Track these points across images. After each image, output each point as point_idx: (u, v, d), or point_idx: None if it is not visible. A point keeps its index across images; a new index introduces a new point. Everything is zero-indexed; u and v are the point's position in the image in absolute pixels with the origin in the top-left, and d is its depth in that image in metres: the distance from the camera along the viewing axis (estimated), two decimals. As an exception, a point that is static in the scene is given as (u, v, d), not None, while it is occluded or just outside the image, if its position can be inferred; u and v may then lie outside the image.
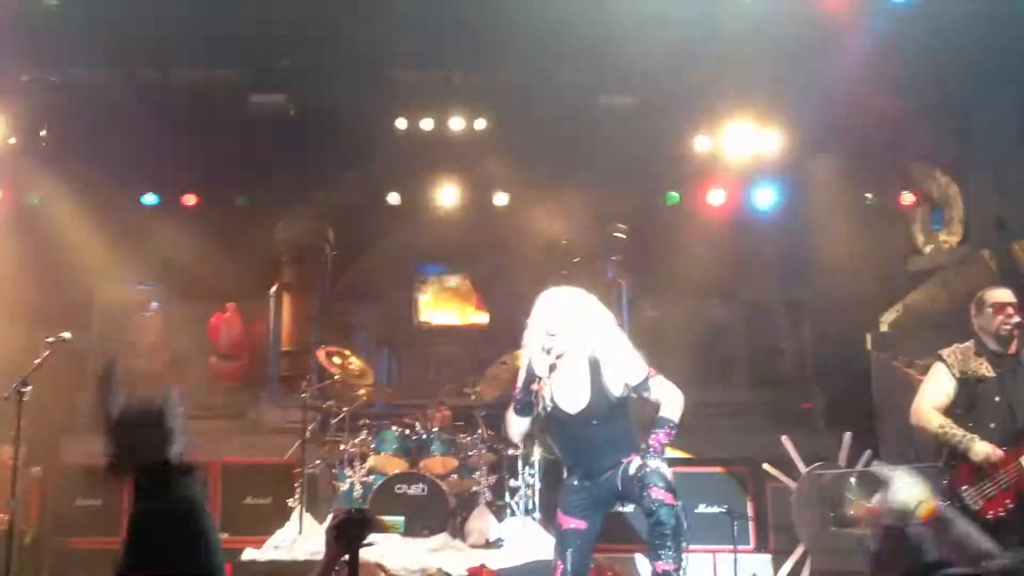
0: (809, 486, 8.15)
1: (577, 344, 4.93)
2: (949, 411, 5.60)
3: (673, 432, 4.86)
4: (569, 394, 4.95)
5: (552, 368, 4.88)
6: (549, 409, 4.94)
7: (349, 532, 3.31)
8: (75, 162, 11.20)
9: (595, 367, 4.93)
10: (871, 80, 10.36)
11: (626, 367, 4.94)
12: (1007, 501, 5.32)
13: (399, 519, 8.37)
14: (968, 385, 5.57)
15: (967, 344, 5.71)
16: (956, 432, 5.46)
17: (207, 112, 11.04)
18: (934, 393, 5.66)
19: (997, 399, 5.48)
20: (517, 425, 5.06)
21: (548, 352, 4.86)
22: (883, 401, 9.99)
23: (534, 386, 4.88)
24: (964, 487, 5.42)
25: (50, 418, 10.28)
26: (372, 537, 3.39)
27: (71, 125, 11.07)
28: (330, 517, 3.51)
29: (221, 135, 11.30)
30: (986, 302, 5.68)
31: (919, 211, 11.48)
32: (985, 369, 5.56)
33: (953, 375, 5.61)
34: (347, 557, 3.30)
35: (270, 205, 12.92)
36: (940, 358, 5.72)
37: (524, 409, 4.95)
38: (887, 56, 9.80)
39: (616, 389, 4.90)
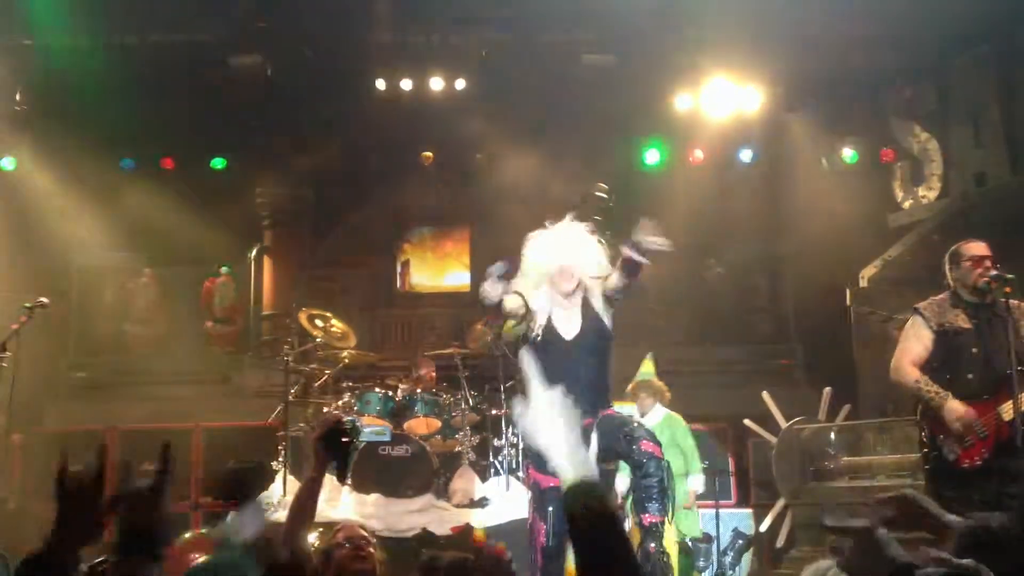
0: (789, 441, 8.21)
1: (585, 273, 5.15)
2: (927, 364, 5.61)
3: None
4: (566, 320, 5.12)
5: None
6: (542, 334, 5.08)
7: (337, 440, 3.42)
8: (51, 127, 11.09)
9: (587, 297, 5.15)
10: (850, 36, 10.35)
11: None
12: (983, 451, 5.34)
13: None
14: (946, 337, 5.57)
15: (942, 296, 5.71)
16: (931, 388, 5.48)
17: (184, 75, 10.94)
18: (914, 347, 5.66)
19: (974, 350, 5.49)
20: (494, 286, 5.05)
21: (565, 281, 5.06)
22: (862, 356, 10.04)
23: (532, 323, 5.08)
24: (941, 436, 5.44)
25: (31, 384, 10.24)
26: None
27: (47, 90, 10.94)
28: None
29: (199, 98, 11.21)
30: (963, 255, 5.66)
31: (899, 166, 11.50)
32: (962, 320, 5.57)
33: (931, 327, 5.61)
34: (335, 463, 3.47)
35: (249, 168, 12.83)
36: (917, 311, 5.72)
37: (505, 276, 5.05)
38: (866, 11, 9.78)
39: (606, 318, 5.15)
